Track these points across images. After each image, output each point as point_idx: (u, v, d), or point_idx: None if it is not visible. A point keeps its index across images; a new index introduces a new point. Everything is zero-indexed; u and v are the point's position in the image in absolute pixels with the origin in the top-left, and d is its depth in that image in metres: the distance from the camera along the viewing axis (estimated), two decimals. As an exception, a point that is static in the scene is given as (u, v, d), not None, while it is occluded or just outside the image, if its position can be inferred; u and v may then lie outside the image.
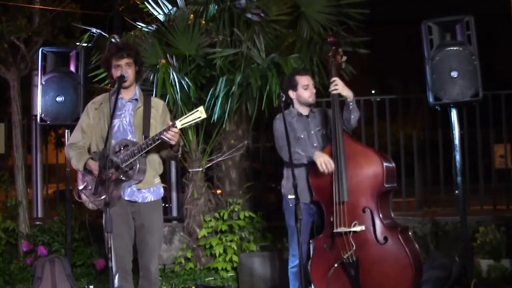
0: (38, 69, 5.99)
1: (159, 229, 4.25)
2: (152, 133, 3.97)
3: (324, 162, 4.35)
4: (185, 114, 3.81)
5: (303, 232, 4.50)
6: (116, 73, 4.03)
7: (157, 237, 4.21)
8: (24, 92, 7.64)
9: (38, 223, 7.08)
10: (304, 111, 4.74)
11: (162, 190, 4.21)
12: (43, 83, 5.82)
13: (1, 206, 6.94)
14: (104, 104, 4.08)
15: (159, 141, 3.84)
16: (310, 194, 4.60)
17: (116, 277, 3.90)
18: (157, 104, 4.16)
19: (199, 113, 3.72)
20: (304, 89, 4.66)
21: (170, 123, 3.84)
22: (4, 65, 6.83)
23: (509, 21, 5.39)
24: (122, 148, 3.93)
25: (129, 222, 4.11)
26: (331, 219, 4.37)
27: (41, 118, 5.83)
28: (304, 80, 4.67)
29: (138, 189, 4.07)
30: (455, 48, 5.18)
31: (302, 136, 4.67)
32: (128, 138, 4.03)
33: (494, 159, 7.29)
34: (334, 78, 4.49)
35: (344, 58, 4.58)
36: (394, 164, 4.54)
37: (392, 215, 4.52)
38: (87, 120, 4.14)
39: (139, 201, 4.09)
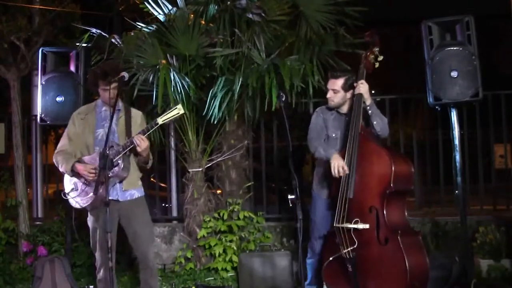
0: (38, 69, 5.98)
1: (148, 221, 4.61)
2: None
3: (337, 166, 4.44)
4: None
5: (321, 227, 4.72)
6: (104, 94, 4.41)
7: (148, 228, 4.59)
8: (24, 92, 7.64)
9: (38, 223, 7.08)
10: (343, 110, 4.79)
11: (142, 188, 4.62)
12: (43, 83, 5.81)
13: (1, 206, 6.94)
14: (89, 115, 4.48)
15: (130, 146, 4.26)
16: (328, 190, 4.71)
17: (102, 270, 4.36)
18: (136, 115, 4.58)
19: (178, 110, 4.18)
20: (327, 91, 4.79)
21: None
22: (4, 65, 6.82)
23: (509, 21, 5.38)
24: (108, 149, 4.22)
25: (114, 221, 4.41)
26: None
27: (41, 118, 5.82)
28: (328, 83, 4.80)
29: (125, 190, 4.42)
30: (455, 48, 5.18)
31: (333, 136, 4.77)
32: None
33: (494, 159, 7.29)
34: (361, 81, 4.57)
35: (380, 57, 4.63)
36: (410, 167, 4.53)
37: (404, 219, 4.48)
38: (74, 129, 4.50)
39: (127, 199, 4.43)
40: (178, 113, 4.20)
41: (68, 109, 5.73)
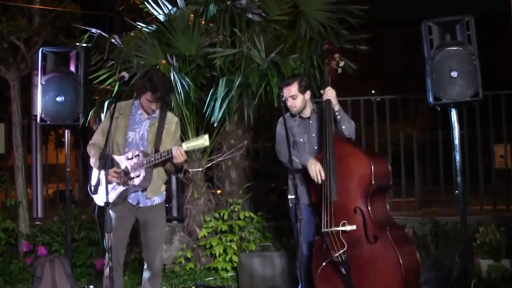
0: (38, 69, 5.97)
1: (163, 226, 4.69)
2: (162, 148, 4.35)
3: (316, 170, 4.44)
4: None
5: (305, 231, 4.61)
6: (145, 101, 4.37)
7: (161, 233, 4.67)
8: (24, 92, 7.65)
9: (38, 223, 7.09)
10: (305, 114, 4.77)
11: (165, 193, 4.65)
12: (43, 83, 5.80)
13: (1, 206, 6.94)
14: (124, 116, 4.44)
15: (166, 157, 4.24)
16: (309, 197, 4.67)
17: (108, 267, 4.29)
18: (171, 121, 4.52)
19: (204, 141, 4.14)
20: (286, 100, 4.72)
21: (180, 142, 4.32)
22: (4, 65, 6.83)
23: (509, 21, 5.38)
24: (134, 157, 4.30)
25: (130, 221, 4.49)
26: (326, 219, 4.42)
27: (41, 118, 5.81)
28: (284, 92, 4.72)
29: (148, 198, 4.44)
30: (455, 48, 5.18)
31: (301, 141, 4.74)
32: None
33: (494, 159, 7.29)
34: (328, 88, 4.57)
35: (342, 63, 4.64)
36: (387, 163, 4.58)
37: (388, 214, 4.53)
38: (108, 125, 4.41)
39: (148, 204, 4.46)
40: (204, 144, 4.16)
41: (68, 109, 5.73)
